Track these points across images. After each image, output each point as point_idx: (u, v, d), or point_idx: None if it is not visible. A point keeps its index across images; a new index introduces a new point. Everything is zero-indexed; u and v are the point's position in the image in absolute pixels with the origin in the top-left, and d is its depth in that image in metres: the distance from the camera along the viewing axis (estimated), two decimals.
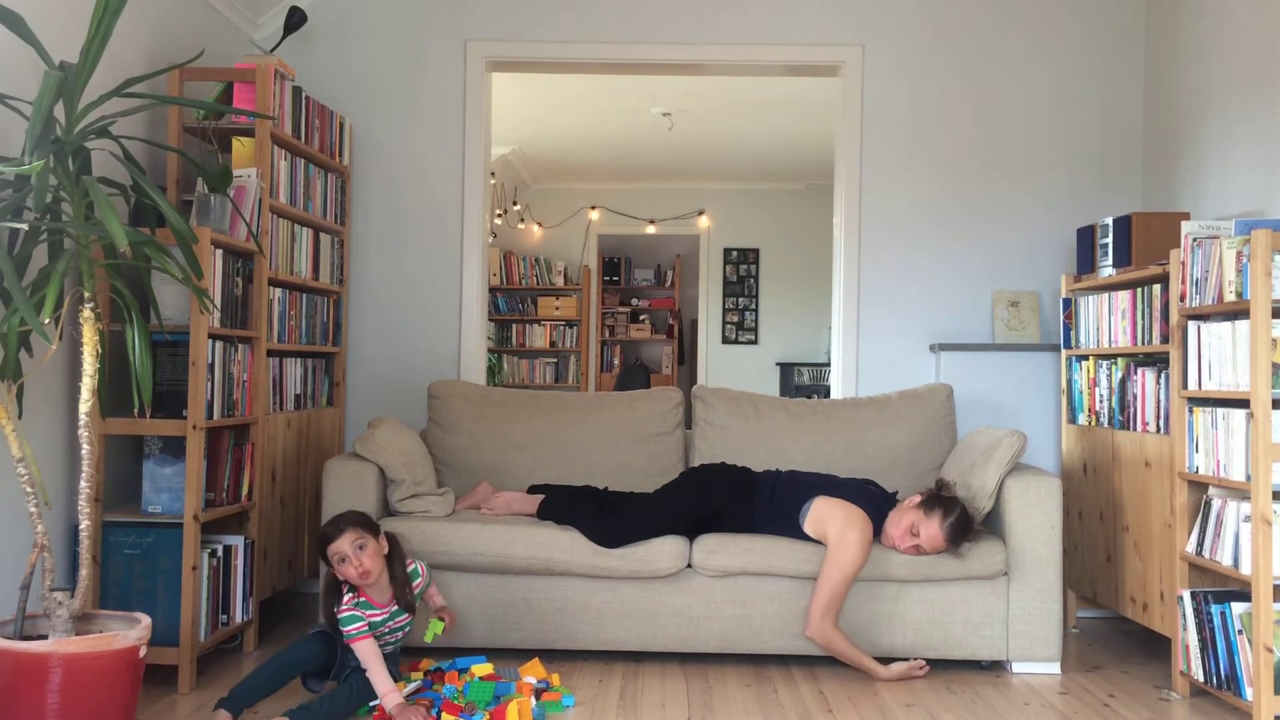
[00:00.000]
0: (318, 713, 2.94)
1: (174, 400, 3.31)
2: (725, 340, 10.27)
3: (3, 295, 2.61)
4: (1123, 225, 3.85)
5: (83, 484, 2.70)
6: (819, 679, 3.50)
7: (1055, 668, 3.59)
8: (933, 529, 3.46)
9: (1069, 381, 4.28)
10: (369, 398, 4.66)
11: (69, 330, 3.14)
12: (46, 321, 2.52)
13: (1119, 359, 3.87)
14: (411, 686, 3.16)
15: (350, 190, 4.61)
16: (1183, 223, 3.43)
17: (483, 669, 3.28)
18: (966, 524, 3.49)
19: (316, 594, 3.34)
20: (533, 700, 3.06)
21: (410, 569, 3.24)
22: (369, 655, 3.00)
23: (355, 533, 3.09)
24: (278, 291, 3.86)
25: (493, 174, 8.38)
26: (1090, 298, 4.09)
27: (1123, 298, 3.82)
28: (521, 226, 10.09)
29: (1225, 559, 3.17)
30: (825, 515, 3.50)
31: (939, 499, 3.51)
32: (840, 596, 3.43)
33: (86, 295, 2.68)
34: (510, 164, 9.01)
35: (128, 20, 3.47)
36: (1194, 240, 3.33)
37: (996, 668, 3.66)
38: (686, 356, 11.65)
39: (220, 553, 3.45)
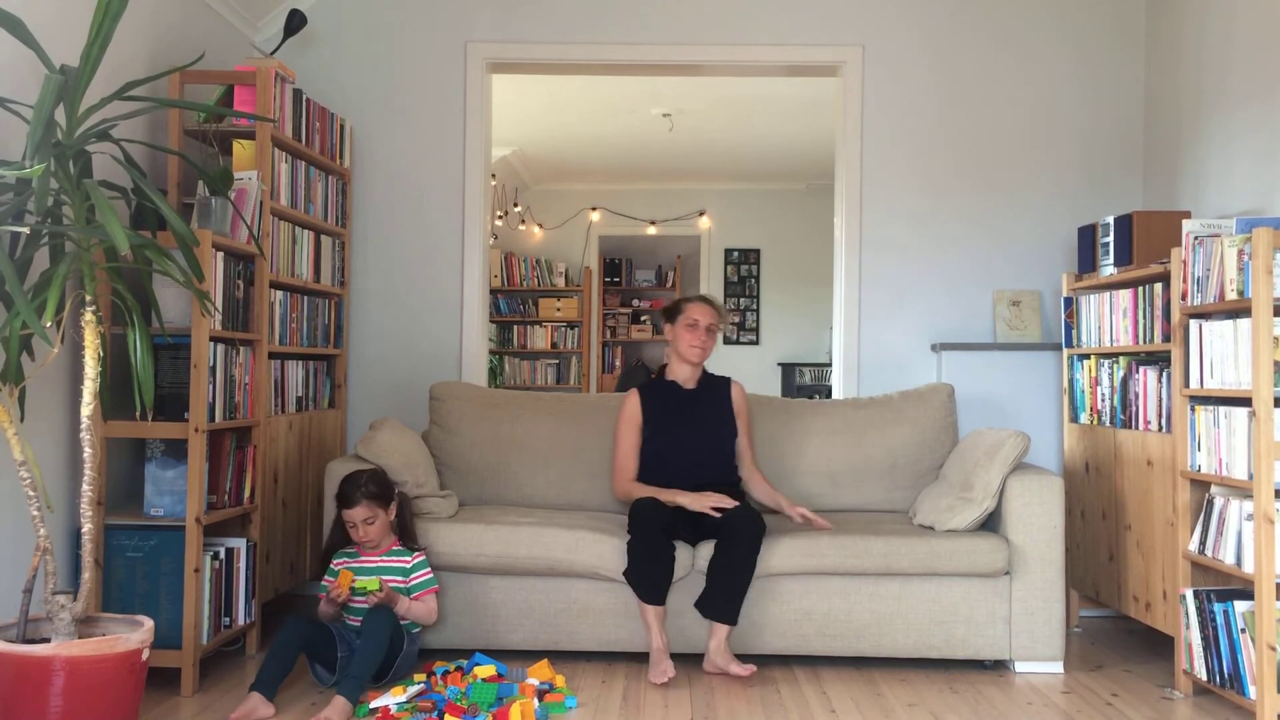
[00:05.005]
0: (359, 675, 3.05)
1: (176, 403, 3.32)
2: (727, 341, 10.26)
3: (4, 298, 2.61)
4: (1124, 224, 3.85)
5: (85, 487, 2.70)
6: (822, 679, 3.49)
7: (1058, 667, 3.59)
8: (696, 305, 3.88)
9: (1070, 380, 4.28)
10: (370, 400, 4.66)
11: (70, 333, 3.14)
12: (48, 325, 2.52)
13: (1120, 358, 3.87)
14: (414, 689, 3.16)
15: (351, 192, 4.61)
16: (1184, 221, 3.43)
17: (485, 670, 3.28)
18: (710, 296, 4.00)
19: (319, 596, 3.38)
20: (535, 701, 3.06)
21: (419, 559, 3.44)
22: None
23: (368, 508, 3.34)
24: (279, 294, 3.87)
25: (493, 175, 8.38)
26: (1091, 296, 4.09)
27: (1124, 296, 3.82)
28: (522, 228, 10.09)
29: (1228, 557, 3.17)
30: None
31: (676, 300, 3.97)
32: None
33: (88, 298, 2.68)
34: (510, 165, 9.01)
35: (128, 23, 3.47)
36: (1195, 239, 3.33)
37: (999, 667, 3.66)
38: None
39: (222, 555, 3.45)
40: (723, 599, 3.46)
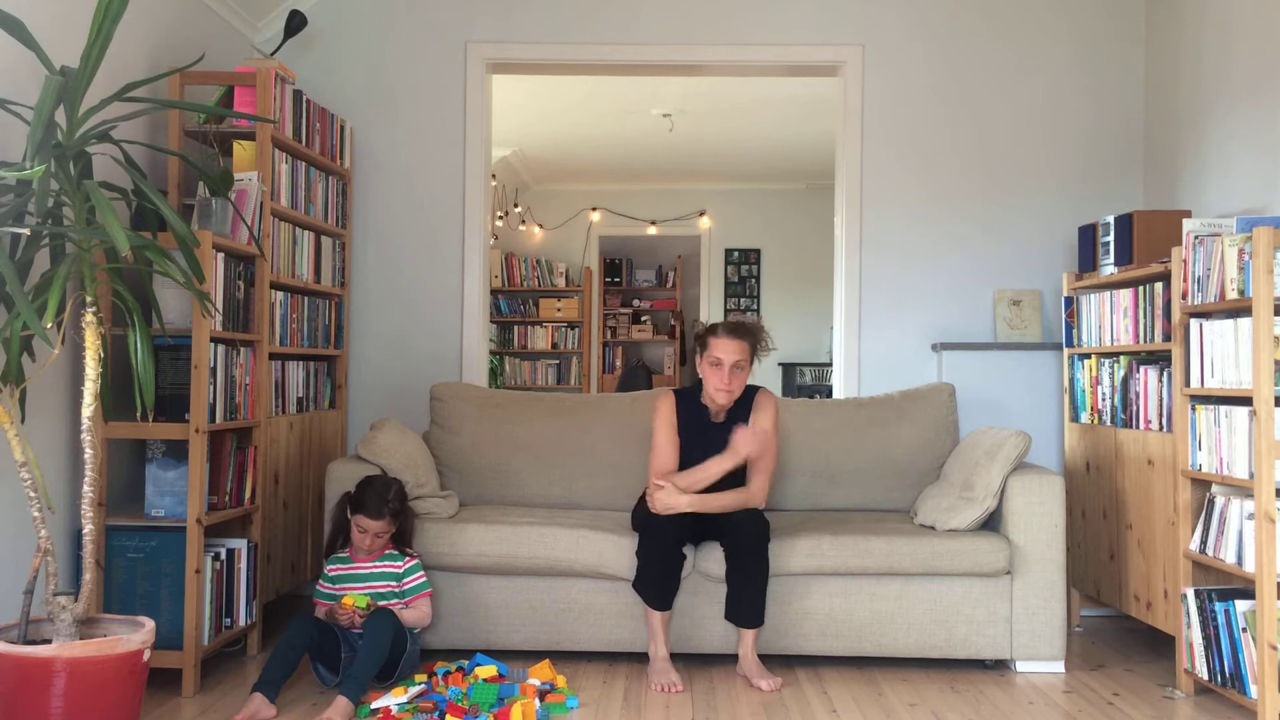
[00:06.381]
0: (361, 676, 3.05)
1: (176, 404, 3.32)
2: None
3: (5, 300, 2.61)
4: (1124, 223, 3.85)
5: (86, 488, 2.70)
6: (823, 679, 3.49)
7: (1059, 666, 3.59)
8: (720, 341, 3.53)
9: (1071, 380, 4.28)
10: (371, 400, 4.66)
11: (71, 334, 3.14)
12: (49, 326, 2.52)
13: (1121, 357, 3.87)
14: (415, 690, 3.16)
15: (351, 193, 4.61)
16: (1184, 220, 3.43)
17: (486, 671, 3.28)
18: (740, 322, 3.59)
19: (316, 602, 3.40)
20: (536, 702, 3.06)
21: (411, 564, 3.44)
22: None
23: (388, 523, 3.37)
24: (279, 294, 3.87)
25: (493, 176, 8.38)
26: (1092, 296, 4.09)
27: (1124, 296, 3.82)
28: (523, 228, 10.09)
29: (1229, 557, 3.16)
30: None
31: (707, 327, 3.60)
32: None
33: (88, 299, 2.68)
34: (511, 166, 9.01)
35: (128, 25, 3.47)
36: (1195, 238, 3.33)
37: (1000, 667, 3.66)
38: (689, 357, 11.63)
39: (223, 556, 3.45)
40: (744, 605, 3.44)
